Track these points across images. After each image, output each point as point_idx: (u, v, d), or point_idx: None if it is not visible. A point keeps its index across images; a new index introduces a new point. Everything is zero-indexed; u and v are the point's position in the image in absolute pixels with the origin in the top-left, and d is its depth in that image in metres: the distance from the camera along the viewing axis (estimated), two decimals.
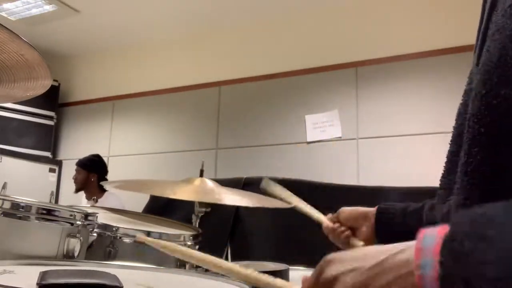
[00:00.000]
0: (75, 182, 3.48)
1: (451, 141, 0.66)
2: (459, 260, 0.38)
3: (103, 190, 3.39)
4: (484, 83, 0.52)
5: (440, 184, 0.68)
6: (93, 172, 3.44)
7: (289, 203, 1.11)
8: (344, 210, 1.06)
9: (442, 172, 0.68)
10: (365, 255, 0.46)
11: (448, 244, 0.39)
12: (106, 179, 3.39)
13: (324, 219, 1.06)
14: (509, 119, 0.49)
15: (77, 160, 3.58)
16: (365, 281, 0.44)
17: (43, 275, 0.63)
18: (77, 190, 3.48)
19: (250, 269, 0.55)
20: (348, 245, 1.00)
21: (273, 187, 1.14)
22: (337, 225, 1.03)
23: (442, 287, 0.38)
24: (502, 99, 0.49)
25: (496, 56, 0.51)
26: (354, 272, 0.45)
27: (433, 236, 0.41)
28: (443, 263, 0.38)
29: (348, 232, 1.01)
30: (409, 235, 0.45)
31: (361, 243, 0.98)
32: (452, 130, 0.65)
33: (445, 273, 0.38)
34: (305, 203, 1.10)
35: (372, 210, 1.01)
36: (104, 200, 3.28)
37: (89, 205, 2.87)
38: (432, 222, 0.91)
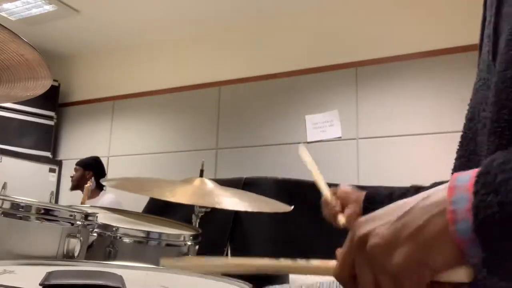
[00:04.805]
0: (71, 180, 3.50)
1: (460, 145, 0.64)
2: (494, 189, 0.39)
3: (99, 189, 3.39)
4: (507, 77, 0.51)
5: None
6: (88, 170, 3.45)
7: (310, 171, 1.15)
8: (342, 187, 1.09)
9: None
10: (392, 209, 0.47)
11: (481, 177, 0.40)
12: None
13: (327, 193, 1.09)
14: None
15: (77, 160, 3.59)
16: (395, 231, 0.45)
17: (48, 275, 0.62)
18: (72, 188, 3.50)
19: (283, 260, 0.55)
20: (335, 220, 1.03)
21: (306, 156, 1.18)
22: (334, 198, 1.06)
23: (477, 214, 0.39)
24: None
25: None
26: (384, 226, 0.46)
27: (466, 175, 0.42)
28: (477, 193, 0.39)
29: (338, 209, 1.04)
30: None
31: (343, 221, 1.00)
32: (462, 134, 0.64)
33: (479, 201, 0.39)
34: (322, 177, 1.13)
35: (362, 195, 1.05)
36: (100, 199, 3.28)
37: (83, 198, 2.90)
38: None
